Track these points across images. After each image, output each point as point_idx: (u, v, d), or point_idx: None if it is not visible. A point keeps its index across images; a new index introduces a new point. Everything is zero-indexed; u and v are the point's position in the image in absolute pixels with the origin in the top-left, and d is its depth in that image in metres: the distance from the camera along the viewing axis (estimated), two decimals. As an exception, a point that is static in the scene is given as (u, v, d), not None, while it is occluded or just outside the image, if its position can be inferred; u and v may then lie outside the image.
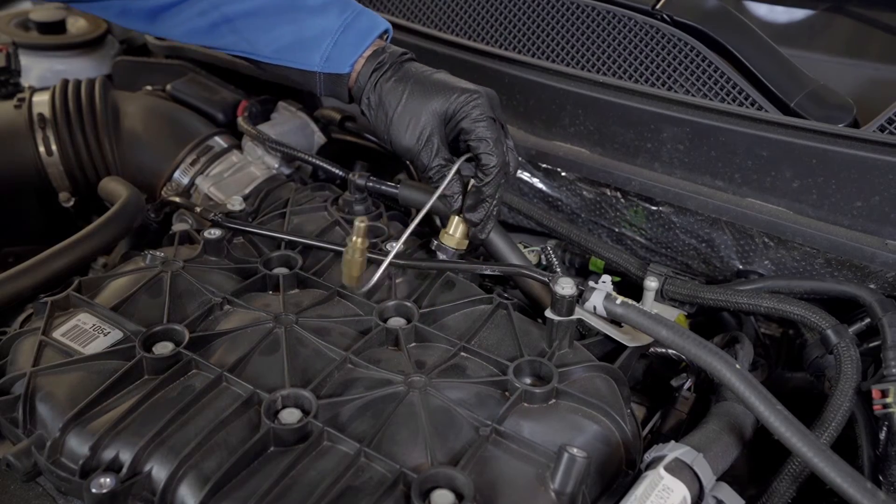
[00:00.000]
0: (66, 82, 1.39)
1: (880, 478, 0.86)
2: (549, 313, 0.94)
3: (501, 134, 1.01)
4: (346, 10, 1.04)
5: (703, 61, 1.15)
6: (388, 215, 1.22)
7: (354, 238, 0.91)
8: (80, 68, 1.72)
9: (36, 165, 1.33)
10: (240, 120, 1.39)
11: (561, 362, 0.92)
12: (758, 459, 0.93)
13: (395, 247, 0.98)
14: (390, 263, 0.96)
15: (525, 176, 1.27)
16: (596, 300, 0.93)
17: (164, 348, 0.89)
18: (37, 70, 1.71)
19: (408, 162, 1.10)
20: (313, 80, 1.06)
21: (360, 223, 0.90)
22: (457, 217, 1.07)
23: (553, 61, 1.25)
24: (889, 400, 0.85)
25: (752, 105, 1.11)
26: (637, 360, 1.05)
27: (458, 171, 1.01)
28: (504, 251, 1.11)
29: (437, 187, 1.01)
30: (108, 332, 0.93)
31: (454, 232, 1.08)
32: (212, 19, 1.03)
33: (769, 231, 1.05)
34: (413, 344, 0.95)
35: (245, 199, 1.24)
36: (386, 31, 1.07)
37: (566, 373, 0.90)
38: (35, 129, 1.33)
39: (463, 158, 1.01)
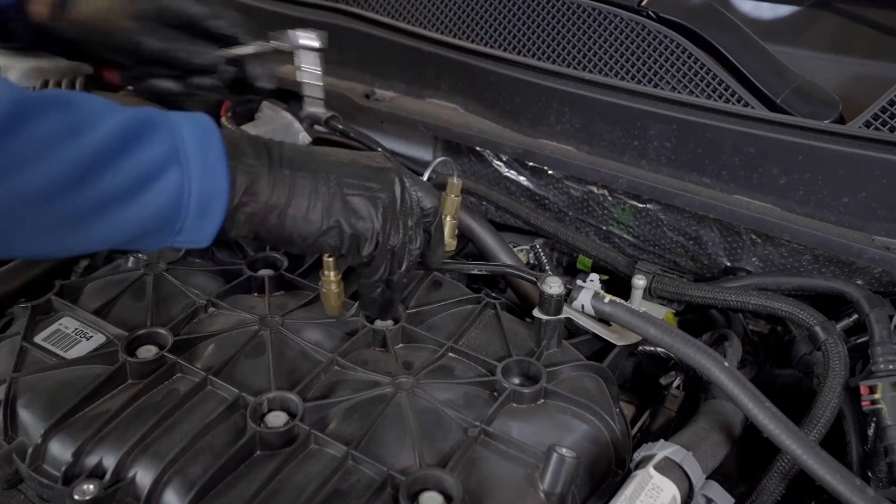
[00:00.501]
0: (46, 83, 1.37)
1: (869, 474, 0.86)
2: (536, 312, 0.94)
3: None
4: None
5: (689, 58, 1.15)
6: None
7: (326, 272, 0.91)
8: (60, 69, 1.70)
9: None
10: (223, 120, 1.37)
11: (549, 362, 0.91)
12: (747, 457, 0.93)
13: None
14: None
15: (512, 174, 1.27)
16: (584, 299, 0.92)
17: (147, 352, 0.88)
18: (16, 70, 1.69)
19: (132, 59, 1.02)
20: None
21: (328, 258, 0.90)
22: (442, 217, 1.07)
23: (539, 59, 1.25)
24: (877, 396, 0.85)
25: (739, 102, 1.11)
26: (626, 358, 1.05)
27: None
28: (495, 250, 1.11)
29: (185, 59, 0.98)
30: (91, 336, 0.92)
31: None
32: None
33: (756, 228, 1.05)
34: (400, 345, 0.94)
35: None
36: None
37: (554, 372, 0.89)
38: (15, 130, 1.31)
39: None
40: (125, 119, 0.68)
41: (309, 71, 1.13)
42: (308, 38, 1.04)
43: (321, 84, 1.16)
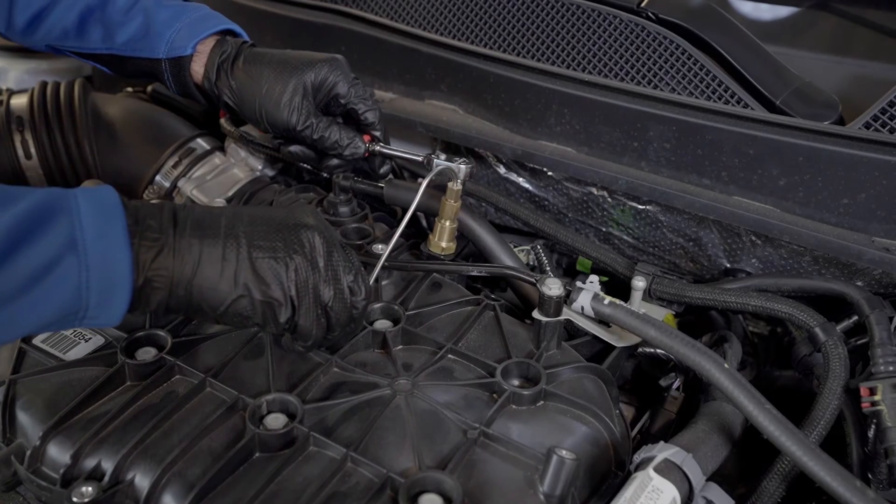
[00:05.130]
0: (44, 84, 1.37)
1: (869, 476, 0.85)
2: (536, 314, 0.94)
3: (368, 90, 1.11)
4: (196, 8, 1.13)
5: (688, 59, 1.15)
6: (374, 216, 1.22)
7: None
8: (59, 70, 1.70)
9: (14, 169, 1.31)
10: (222, 121, 1.37)
11: (549, 363, 0.91)
12: (747, 459, 0.93)
13: (387, 249, 0.98)
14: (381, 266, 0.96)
15: (511, 176, 1.27)
16: (583, 300, 0.92)
17: (146, 354, 0.88)
18: (15, 72, 1.69)
19: (285, 135, 1.13)
20: (161, 71, 1.12)
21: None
22: (441, 222, 1.07)
23: (538, 60, 1.25)
24: (877, 397, 0.85)
25: (738, 103, 1.11)
26: (625, 360, 1.05)
27: (341, 126, 1.10)
28: (495, 251, 1.11)
29: (337, 149, 1.09)
30: (90, 338, 0.92)
31: (439, 238, 1.08)
32: (79, 11, 1.10)
33: (756, 229, 1.05)
34: (400, 346, 0.94)
35: (228, 201, 1.23)
36: (230, 31, 1.14)
37: (554, 374, 0.89)
38: (13, 132, 1.31)
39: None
40: (21, 213, 0.67)
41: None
42: (458, 174, 1.06)
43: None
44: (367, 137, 1.12)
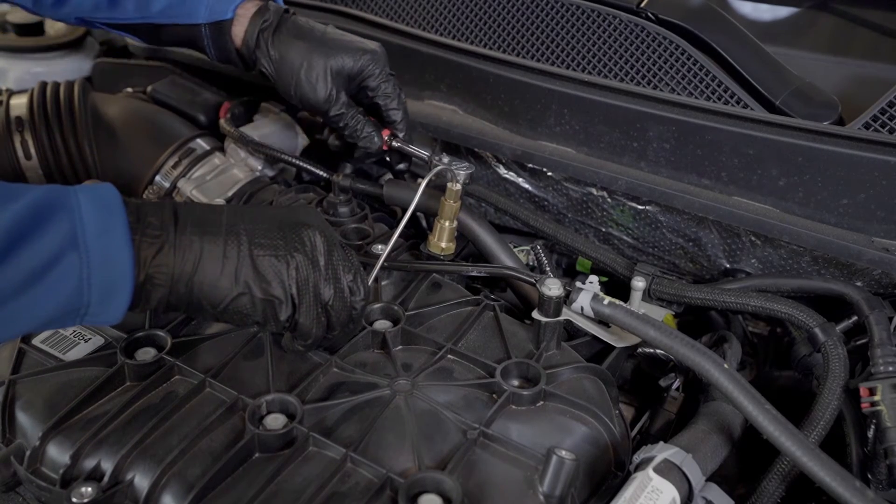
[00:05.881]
0: (44, 85, 1.37)
1: (869, 476, 0.85)
2: (536, 314, 0.94)
3: (399, 87, 1.13)
4: None
5: (688, 59, 1.15)
6: (374, 216, 1.22)
7: None
8: (58, 70, 1.70)
9: (14, 170, 1.31)
10: (222, 122, 1.37)
11: (548, 364, 0.91)
12: (747, 459, 0.93)
13: (386, 250, 0.98)
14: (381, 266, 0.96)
15: (511, 176, 1.26)
16: (583, 301, 0.92)
17: (146, 354, 0.88)
18: (14, 72, 1.69)
19: (314, 114, 1.20)
20: (200, 38, 1.11)
21: None
22: (440, 222, 1.07)
23: (538, 60, 1.25)
24: (877, 398, 0.85)
25: (738, 103, 1.11)
26: (625, 360, 1.04)
27: (365, 119, 1.13)
28: (495, 251, 1.11)
29: (354, 138, 1.12)
30: (89, 339, 0.92)
31: (439, 238, 1.08)
32: None
33: (756, 229, 1.05)
34: (399, 347, 0.94)
35: (228, 201, 1.23)
36: None
37: (554, 374, 0.89)
38: (13, 132, 1.31)
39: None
40: (21, 209, 0.67)
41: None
42: (457, 176, 1.08)
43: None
44: (386, 132, 1.13)
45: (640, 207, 1.16)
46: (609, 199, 1.19)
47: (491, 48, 1.29)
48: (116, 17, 1.12)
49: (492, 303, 1.01)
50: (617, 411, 0.91)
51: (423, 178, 1.04)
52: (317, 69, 1.08)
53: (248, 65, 1.15)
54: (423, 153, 1.14)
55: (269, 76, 1.12)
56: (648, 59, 1.17)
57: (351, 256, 0.84)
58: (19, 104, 1.34)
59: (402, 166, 1.21)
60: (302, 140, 1.46)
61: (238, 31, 1.10)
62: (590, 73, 1.20)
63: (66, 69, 1.71)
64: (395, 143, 1.14)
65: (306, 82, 1.08)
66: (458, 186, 1.06)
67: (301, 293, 0.79)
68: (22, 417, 0.83)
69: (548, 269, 1.22)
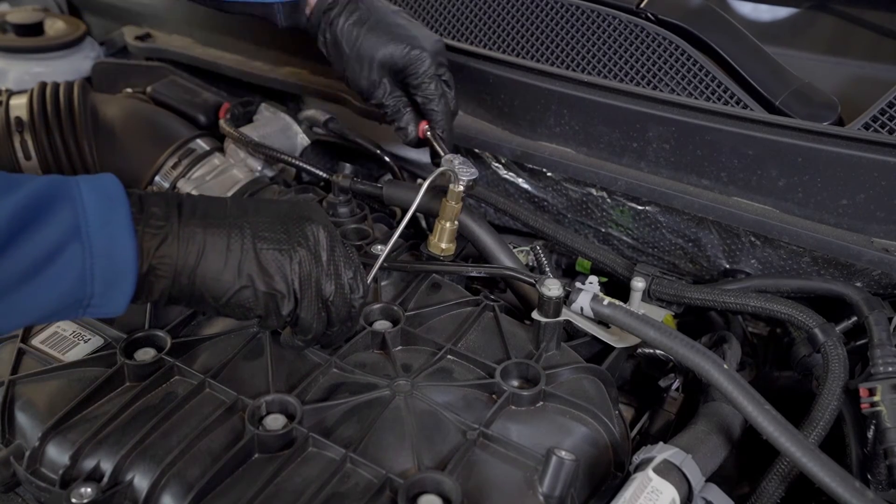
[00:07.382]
0: (44, 85, 1.37)
1: (868, 476, 0.85)
2: (535, 315, 0.94)
3: (445, 87, 1.12)
4: None
5: (687, 60, 1.15)
6: (373, 217, 1.22)
7: None
8: (58, 71, 1.69)
9: (13, 170, 1.31)
10: (222, 122, 1.37)
11: (548, 364, 0.91)
12: (747, 459, 0.93)
13: (385, 250, 0.98)
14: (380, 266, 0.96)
15: (510, 176, 1.26)
16: (583, 301, 0.92)
17: (145, 354, 0.88)
18: (14, 73, 1.69)
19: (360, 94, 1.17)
20: (273, 13, 1.12)
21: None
22: (441, 223, 1.07)
23: (538, 61, 1.25)
24: (876, 398, 0.85)
25: (738, 104, 1.11)
26: (624, 360, 1.04)
27: (406, 110, 1.14)
28: (495, 251, 1.10)
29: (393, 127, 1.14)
30: (89, 339, 0.92)
31: (439, 239, 1.08)
32: None
33: (755, 230, 1.05)
34: (399, 347, 0.94)
35: (228, 201, 1.23)
36: None
37: (553, 375, 0.89)
38: (12, 133, 1.31)
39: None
40: (23, 199, 0.66)
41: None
42: (459, 177, 1.08)
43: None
44: (423, 124, 1.14)
45: (639, 208, 1.16)
46: (609, 200, 1.19)
47: (491, 48, 1.29)
48: None
49: (491, 303, 1.01)
50: (617, 412, 0.91)
51: (423, 178, 1.04)
52: (364, 58, 1.10)
53: (315, 39, 1.17)
54: (446, 153, 1.12)
55: (326, 53, 1.14)
56: (648, 60, 1.17)
57: (352, 253, 0.84)
58: (19, 104, 1.34)
59: (436, 160, 1.20)
60: (301, 140, 1.47)
61: (307, 10, 1.13)
62: (589, 73, 1.20)
63: (66, 69, 1.70)
64: (428, 135, 1.14)
65: (353, 69, 1.11)
66: (461, 188, 1.05)
67: (303, 288, 0.79)
68: (21, 418, 0.83)
69: (547, 269, 1.22)
